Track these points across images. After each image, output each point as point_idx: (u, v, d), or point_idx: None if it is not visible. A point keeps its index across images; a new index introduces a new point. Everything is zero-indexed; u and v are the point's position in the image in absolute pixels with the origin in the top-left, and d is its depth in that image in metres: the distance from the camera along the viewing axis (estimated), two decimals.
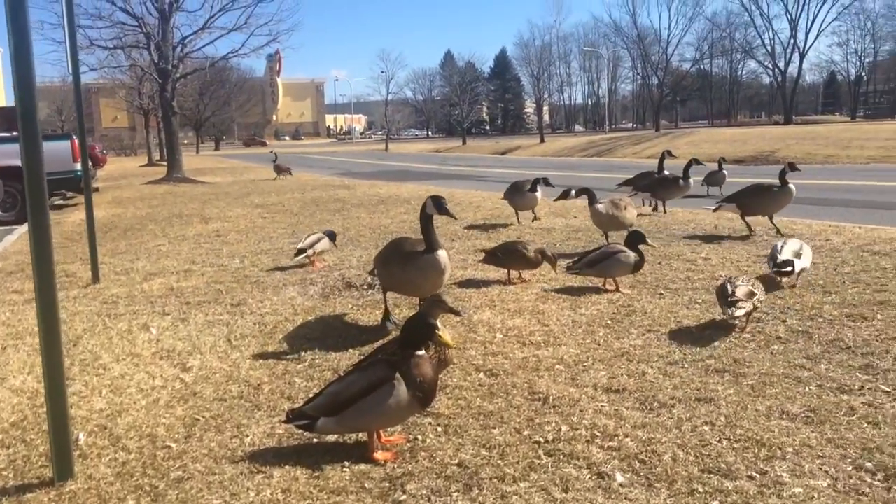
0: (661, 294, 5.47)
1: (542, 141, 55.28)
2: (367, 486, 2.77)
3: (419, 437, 3.15)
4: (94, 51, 23.89)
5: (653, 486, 2.67)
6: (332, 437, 3.13)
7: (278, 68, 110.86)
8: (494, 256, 6.07)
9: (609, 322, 4.80)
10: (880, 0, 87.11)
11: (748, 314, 4.40)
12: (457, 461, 2.91)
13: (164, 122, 26.16)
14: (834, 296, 5.11)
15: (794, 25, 76.26)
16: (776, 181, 7.73)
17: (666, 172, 10.70)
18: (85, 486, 2.84)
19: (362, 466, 2.91)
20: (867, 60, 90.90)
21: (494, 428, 3.21)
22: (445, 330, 3.07)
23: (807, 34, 77.15)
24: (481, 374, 3.91)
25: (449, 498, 2.65)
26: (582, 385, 3.69)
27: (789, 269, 5.23)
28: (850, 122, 70.09)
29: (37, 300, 2.82)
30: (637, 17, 79.86)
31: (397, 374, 2.87)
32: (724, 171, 13.44)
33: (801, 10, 75.93)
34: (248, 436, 3.23)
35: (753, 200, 7.74)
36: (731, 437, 3.00)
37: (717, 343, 4.24)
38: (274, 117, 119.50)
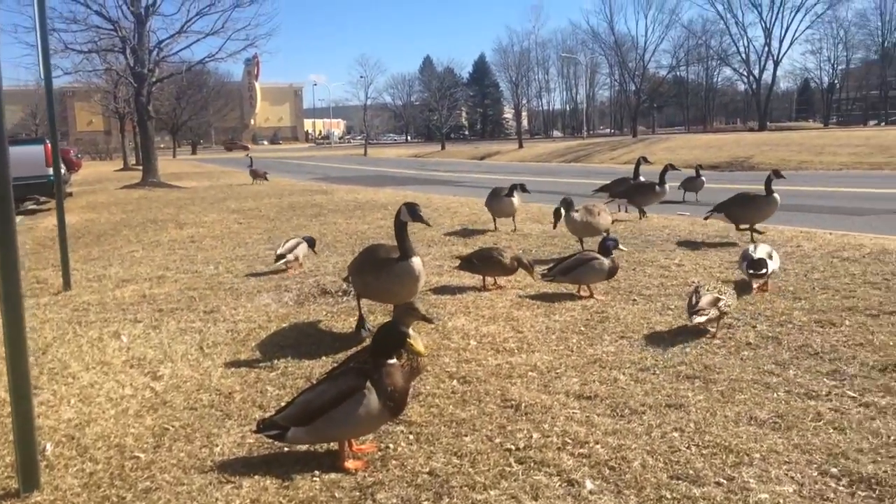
0: (635, 300, 5.51)
1: (521, 146, 55.52)
2: (337, 495, 2.76)
3: (391, 446, 3.15)
4: (69, 54, 23.69)
5: (622, 492, 2.69)
6: (303, 447, 3.12)
7: (256, 72, 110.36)
8: (470, 263, 6.08)
9: (582, 328, 4.82)
10: (853, 9, 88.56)
11: (711, 321, 4.45)
12: (428, 469, 2.91)
13: (139, 127, 25.91)
14: (804, 302, 5.18)
15: (768, 33, 77.23)
16: (762, 189, 7.72)
17: (641, 178, 10.80)
18: (51, 498, 2.80)
19: (333, 475, 2.90)
20: (840, 68, 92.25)
21: (466, 436, 3.22)
22: (418, 338, 3.07)
23: (781, 42, 78.21)
24: (454, 382, 3.92)
25: None
26: (554, 392, 3.71)
27: (763, 270, 5.32)
28: (824, 128, 71.05)
29: (2, 307, 2.78)
30: (614, 24, 79.98)
31: (368, 383, 2.86)
32: (703, 178, 13.57)
33: (775, 19, 76.92)
34: (217, 445, 3.21)
35: (740, 210, 7.77)
36: (700, 444, 3.03)
37: (688, 349, 4.28)
38: (252, 122, 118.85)
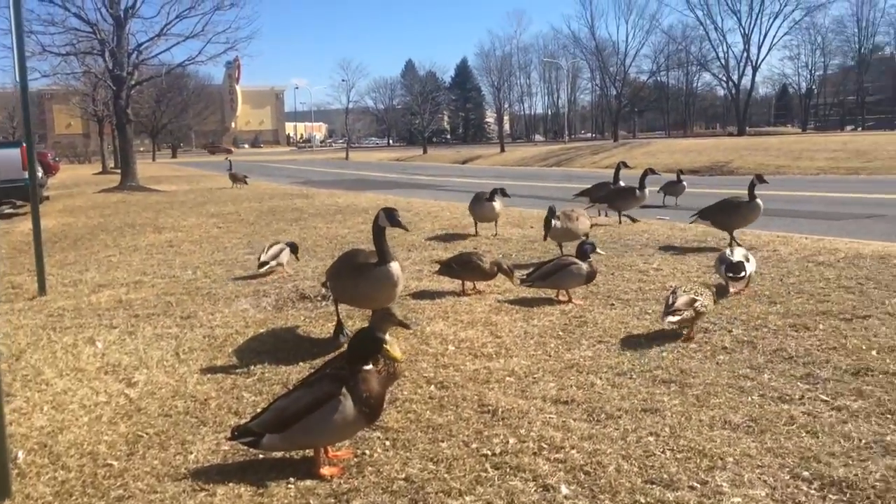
0: (613, 305, 5.54)
1: (503, 150, 55.58)
2: (311, 502, 2.75)
3: (367, 452, 3.14)
4: (47, 57, 23.41)
5: (596, 497, 2.70)
6: (278, 454, 3.10)
7: (237, 76, 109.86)
8: (449, 268, 6.09)
9: (560, 333, 4.84)
10: (830, 16, 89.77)
11: (686, 321, 4.49)
12: (403, 476, 2.90)
13: (118, 130, 25.66)
14: (779, 306, 5.23)
15: (746, 39, 78.09)
16: (745, 195, 7.75)
17: (621, 183, 10.86)
18: None
19: (308, 482, 2.88)
20: (817, 74, 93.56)
21: (443, 441, 3.22)
22: (395, 343, 3.06)
23: (759, 48, 79.06)
24: (432, 387, 3.92)
25: None
26: (531, 397, 3.71)
27: (742, 274, 5.42)
28: (801, 133, 72.00)
29: None
30: (595, 30, 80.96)
31: (343, 390, 2.85)
32: (684, 183, 13.66)
33: (754, 25, 77.83)
34: (192, 453, 3.18)
35: (724, 215, 7.83)
36: (675, 448, 3.05)
37: (665, 353, 4.30)
38: (233, 125, 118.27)
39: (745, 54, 78.56)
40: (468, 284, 6.16)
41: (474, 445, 3.16)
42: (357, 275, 4.47)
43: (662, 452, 3.02)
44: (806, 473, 2.80)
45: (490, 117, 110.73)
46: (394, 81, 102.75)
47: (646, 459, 2.96)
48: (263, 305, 5.91)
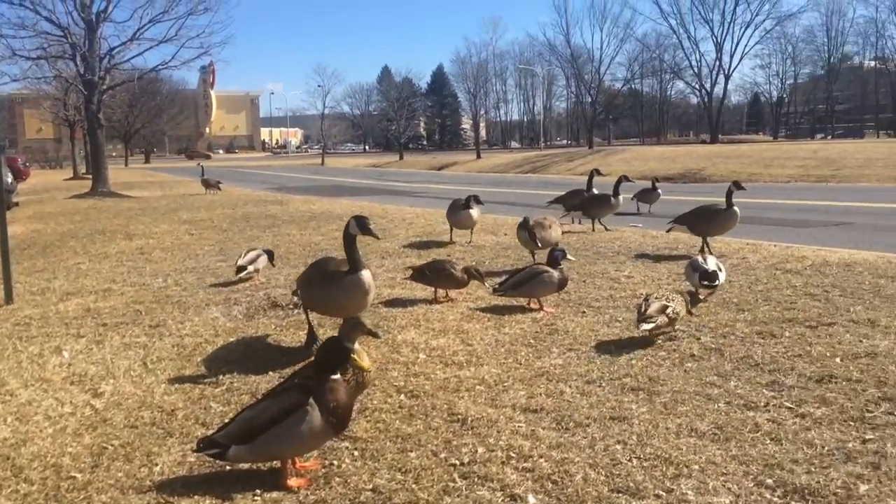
0: (584, 312, 5.57)
1: (479, 157, 55.76)
2: None
3: (335, 462, 3.13)
4: (17, 61, 23.11)
5: None
6: (245, 465, 3.08)
7: (212, 80, 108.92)
8: (422, 274, 6.09)
9: (531, 341, 4.86)
10: (800, 26, 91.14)
11: (660, 328, 4.54)
12: (371, 486, 2.90)
13: (89, 135, 25.43)
14: (746, 313, 5.29)
15: (719, 48, 79.23)
16: (722, 202, 7.81)
17: (594, 190, 10.92)
18: None
19: (274, 494, 2.86)
20: (788, 83, 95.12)
21: (411, 451, 3.21)
22: (363, 352, 3.06)
23: (731, 57, 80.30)
24: (402, 396, 3.91)
25: None
26: (501, 405, 3.72)
27: (717, 282, 5.55)
28: (773, 141, 73.07)
29: None
30: (570, 37, 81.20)
31: (311, 400, 2.84)
32: (659, 191, 13.74)
33: (726, 34, 78.98)
34: (157, 464, 3.15)
35: (701, 222, 7.90)
36: (642, 456, 3.07)
37: (634, 361, 4.34)
38: (207, 130, 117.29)
39: (717, 63, 79.78)
40: (440, 292, 6.16)
41: (443, 455, 3.16)
42: (328, 283, 4.46)
43: (629, 461, 3.04)
44: (769, 481, 2.83)
45: (466, 124, 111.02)
46: (370, 87, 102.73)
47: (613, 468, 2.98)
48: (234, 314, 5.86)
